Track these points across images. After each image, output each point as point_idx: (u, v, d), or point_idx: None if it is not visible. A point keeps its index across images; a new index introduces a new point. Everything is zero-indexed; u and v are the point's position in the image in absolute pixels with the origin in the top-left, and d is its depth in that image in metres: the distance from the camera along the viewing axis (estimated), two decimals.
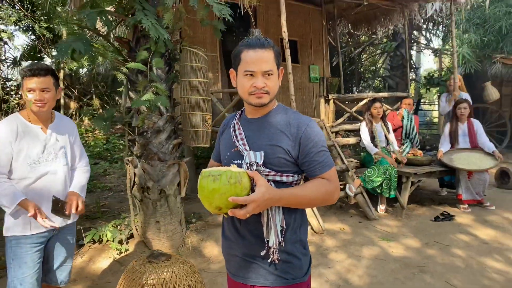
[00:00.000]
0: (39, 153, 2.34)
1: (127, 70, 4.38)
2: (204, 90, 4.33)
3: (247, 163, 1.54)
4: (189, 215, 5.28)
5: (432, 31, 13.16)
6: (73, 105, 14.18)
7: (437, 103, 12.79)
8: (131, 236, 4.59)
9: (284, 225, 1.54)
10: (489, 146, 5.68)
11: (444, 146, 5.89)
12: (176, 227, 4.46)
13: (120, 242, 4.41)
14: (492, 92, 8.29)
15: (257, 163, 1.52)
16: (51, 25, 10.72)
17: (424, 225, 5.14)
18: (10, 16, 9.71)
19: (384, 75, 14.12)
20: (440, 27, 12.58)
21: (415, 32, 13.09)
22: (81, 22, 4.37)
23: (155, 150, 4.28)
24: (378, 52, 15.20)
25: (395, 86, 11.90)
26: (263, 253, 1.54)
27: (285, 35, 4.63)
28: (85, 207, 2.51)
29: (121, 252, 4.29)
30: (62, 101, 13.02)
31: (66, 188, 2.48)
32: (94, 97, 15.34)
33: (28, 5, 11.00)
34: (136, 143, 4.32)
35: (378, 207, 5.62)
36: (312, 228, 4.82)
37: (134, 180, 4.44)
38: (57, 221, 2.38)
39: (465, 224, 5.09)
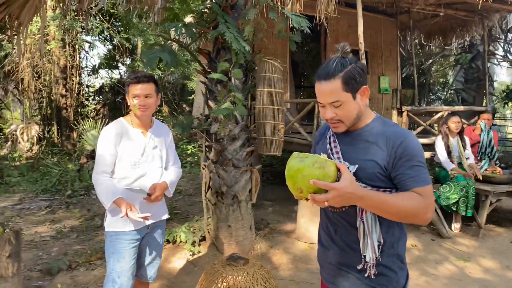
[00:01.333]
0: (139, 155, 2.54)
1: (206, 80, 4.61)
2: (278, 100, 4.44)
3: None
4: (258, 222, 5.38)
5: (511, 42, 12.41)
6: None
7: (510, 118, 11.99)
8: (203, 238, 4.77)
9: (382, 240, 1.52)
10: None
11: None
12: (246, 233, 4.58)
13: (193, 243, 4.60)
14: None
15: None
16: (129, 36, 11.46)
17: (503, 246, 4.85)
18: (97, 28, 10.53)
19: (455, 87, 13.52)
20: None
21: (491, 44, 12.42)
22: (165, 33, 4.67)
23: (230, 157, 4.44)
24: (450, 64, 14.56)
25: (471, 99, 11.32)
26: (359, 267, 1.55)
27: (361, 46, 4.62)
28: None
29: (194, 254, 4.47)
30: None
31: None
32: (163, 104, 16.13)
33: (108, 17, 11.87)
34: (213, 149, 4.51)
35: (453, 225, 5.39)
36: None
37: (209, 185, 4.63)
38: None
39: None
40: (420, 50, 11.78)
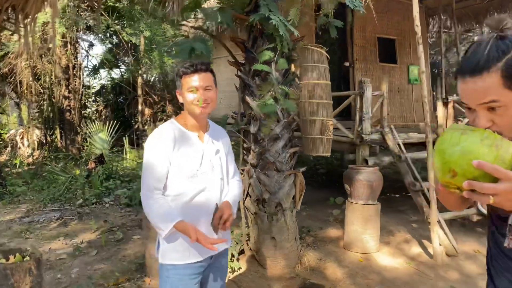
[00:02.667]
0: (197, 165, 1.99)
1: (240, 73, 4.06)
2: (326, 93, 3.91)
3: None
4: (299, 230, 4.85)
5: None
6: (147, 111, 14.40)
7: None
8: (241, 251, 4.24)
9: None
10: None
11: None
12: (292, 244, 4.05)
13: (231, 259, 4.07)
14: None
15: None
16: (136, 31, 10.85)
17: None
18: (102, 23, 9.93)
19: None
20: None
21: None
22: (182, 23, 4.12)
23: (272, 160, 3.90)
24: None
25: None
26: None
27: (418, 29, 4.07)
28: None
29: (233, 270, 3.94)
30: (140, 107, 13.25)
31: None
32: (167, 103, 15.54)
33: (110, 12, 11.27)
34: (252, 151, 3.98)
35: None
36: (439, 252, 4.20)
37: (248, 191, 4.10)
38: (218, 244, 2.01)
39: None
40: (447, 37, 11.24)
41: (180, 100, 2.03)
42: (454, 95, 6.22)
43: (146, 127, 13.27)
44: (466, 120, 1.34)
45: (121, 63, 15.11)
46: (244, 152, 4.09)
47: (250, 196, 4.07)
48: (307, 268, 4.01)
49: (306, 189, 4.10)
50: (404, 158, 4.69)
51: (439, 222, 4.23)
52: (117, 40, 13.37)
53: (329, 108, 3.94)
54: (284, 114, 3.97)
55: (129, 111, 14.68)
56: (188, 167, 1.97)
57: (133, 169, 9.25)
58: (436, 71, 10.03)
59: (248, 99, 3.94)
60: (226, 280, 3.74)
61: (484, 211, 4.60)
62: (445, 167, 0.93)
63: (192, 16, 5.15)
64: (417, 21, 4.07)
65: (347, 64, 7.29)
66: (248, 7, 3.90)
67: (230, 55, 4.19)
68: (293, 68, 4.29)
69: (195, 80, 1.95)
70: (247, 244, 4.22)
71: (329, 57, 3.93)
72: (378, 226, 4.36)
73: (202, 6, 4.05)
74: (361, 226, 4.26)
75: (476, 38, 1.08)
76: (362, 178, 4.25)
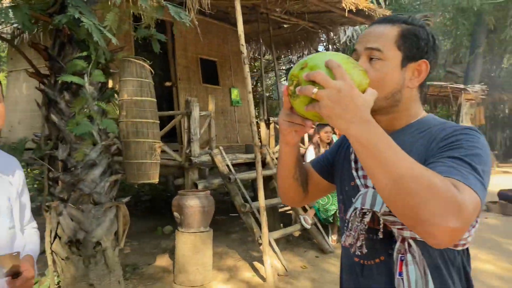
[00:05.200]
0: None
1: (43, 86, 3.31)
2: (152, 112, 3.48)
3: (355, 210, 1.02)
4: (123, 269, 4.21)
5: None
6: None
7: None
8: None
9: None
10: None
11: None
12: None
13: None
14: None
15: (374, 211, 0.98)
16: None
17: None
18: None
19: None
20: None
21: None
22: None
23: (87, 191, 3.25)
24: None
25: None
26: None
27: (243, 48, 4.02)
28: None
29: None
30: None
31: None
32: None
33: None
34: (60, 182, 3.24)
35: (330, 237, 5.24)
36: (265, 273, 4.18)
37: (56, 233, 3.31)
38: None
39: None
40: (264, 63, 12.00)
41: None
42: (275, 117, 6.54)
43: None
44: None
45: None
46: (50, 183, 3.31)
47: (60, 238, 3.29)
48: None
49: (130, 219, 3.60)
50: (234, 180, 4.58)
51: (269, 242, 4.21)
52: None
53: (155, 128, 3.51)
54: (102, 136, 3.38)
55: None
56: None
57: None
58: (256, 94, 10.60)
59: (54, 117, 3.21)
60: None
61: (307, 225, 4.82)
62: (302, 62, 0.91)
63: None
64: (242, 40, 4.04)
65: (169, 84, 6.98)
66: (53, 8, 3.23)
67: (30, 65, 3.40)
68: (112, 82, 3.76)
69: None
70: None
71: (153, 72, 3.52)
72: (211, 254, 4.09)
73: None
74: (193, 257, 3.91)
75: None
76: (194, 204, 3.94)
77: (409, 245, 0.96)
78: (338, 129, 0.84)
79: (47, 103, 3.29)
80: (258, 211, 4.30)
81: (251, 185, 6.97)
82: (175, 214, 4.04)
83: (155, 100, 3.54)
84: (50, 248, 3.34)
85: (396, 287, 0.97)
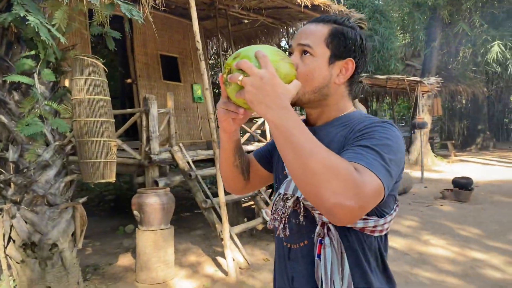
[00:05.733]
0: None
1: None
2: (106, 110, 3.44)
3: (280, 195, 1.12)
4: (82, 270, 4.16)
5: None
6: None
7: None
8: None
9: None
10: None
11: None
12: None
13: None
14: (361, 108, 9.06)
15: (298, 197, 1.07)
16: None
17: None
18: None
19: None
20: None
21: None
22: None
23: (42, 192, 3.20)
24: None
25: None
26: None
27: (198, 45, 4.03)
28: None
29: None
30: None
31: None
32: None
33: None
34: (12, 184, 3.17)
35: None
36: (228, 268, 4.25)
37: (10, 236, 3.24)
38: None
39: None
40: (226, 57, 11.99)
41: None
42: None
43: None
44: None
45: None
46: (2, 186, 3.23)
47: (14, 241, 3.23)
48: None
49: (93, 219, 3.57)
50: (194, 176, 4.60)
51: (231, 237, 4.26)
52: None
53: (110, 127, 3.47)
54: (55, 136, 3.33)
55: None
56: None
57: None
58: (217, 91, 10.60)
59: (4, 118, 3.13)
60: None
61: (268, 218, 4.90)
62: (237, 52, 0.97)
63: None
64: (197, 37, 4.04)
65: (129, 81, 6.89)
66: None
67: None
68: (65, 82, 3.70)
69: None
70: None
71: (107, 70, 3.48)
72: (173, 251, 4.10)
73: None
74: (155, 255, 3.92)
75: None
76: (153, 201, 3.93)
77: (328, 229, 1.03)
78: (259, 114, 0.91)
79: None
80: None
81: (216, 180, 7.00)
82: (135, 212, 4.03)
83: (109, 98, 3.50)
84: (4, 252, 3.26)
85: (315, 268, 1.04)
